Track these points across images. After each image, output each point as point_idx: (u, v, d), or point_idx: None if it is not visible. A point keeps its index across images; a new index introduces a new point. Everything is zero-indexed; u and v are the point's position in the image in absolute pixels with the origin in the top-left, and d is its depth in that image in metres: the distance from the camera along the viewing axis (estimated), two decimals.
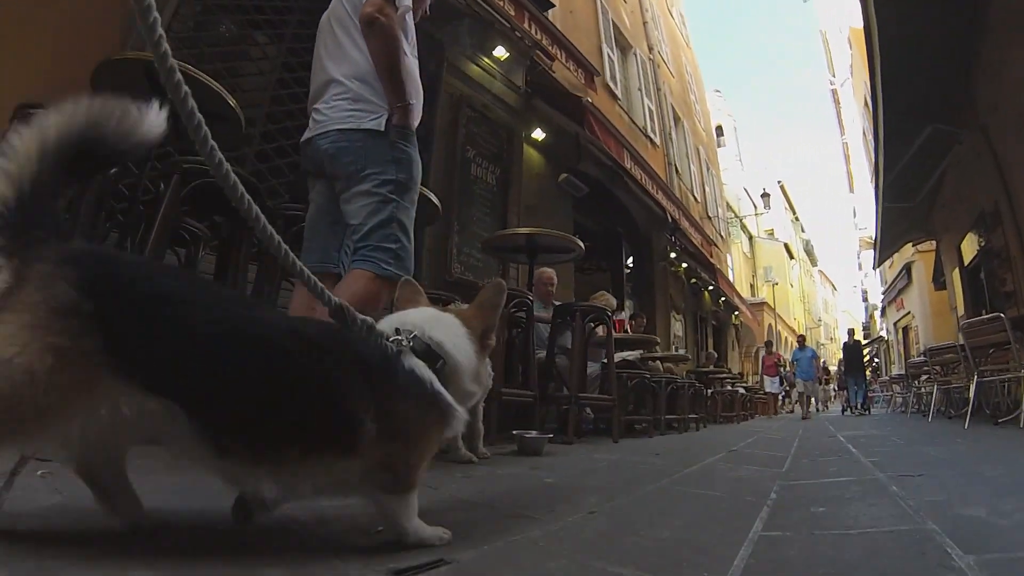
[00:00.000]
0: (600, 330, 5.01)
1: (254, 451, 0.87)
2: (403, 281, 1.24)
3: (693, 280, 12.85)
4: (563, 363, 4.14)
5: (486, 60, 6.31)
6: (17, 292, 0.77)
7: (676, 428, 5.30)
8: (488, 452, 2.52)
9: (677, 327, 12.03)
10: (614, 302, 5.37)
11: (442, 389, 0.99)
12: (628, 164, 8.73)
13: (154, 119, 0.87)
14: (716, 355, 12.00)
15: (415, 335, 1.00)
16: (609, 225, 10.32)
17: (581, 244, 3.88)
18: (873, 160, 9.16)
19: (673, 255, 11.67)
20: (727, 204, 20.20)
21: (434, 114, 5.56)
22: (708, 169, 16.70)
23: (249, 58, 4.56)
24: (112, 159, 0.96)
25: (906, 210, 9.80)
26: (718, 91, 32.73)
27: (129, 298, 0.82)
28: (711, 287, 13.84)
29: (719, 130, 31.01)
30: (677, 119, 14.20)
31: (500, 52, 6.35)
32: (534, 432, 2.93)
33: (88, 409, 0.79)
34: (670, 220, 10.85)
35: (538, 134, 7.19)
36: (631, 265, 11.20)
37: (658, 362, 5.88)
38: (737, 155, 32.22)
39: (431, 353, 1.00)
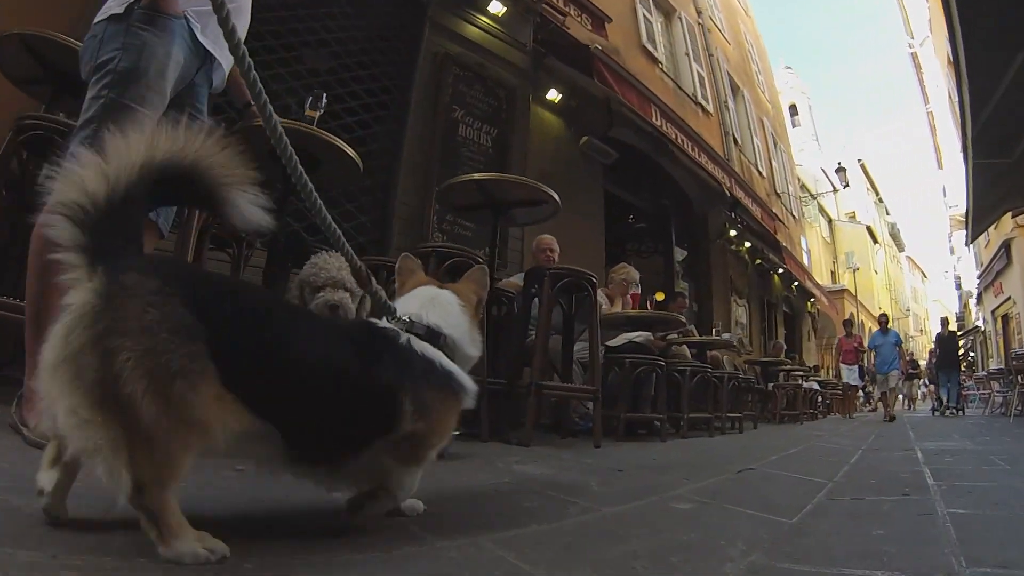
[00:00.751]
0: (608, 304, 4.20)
1: (325, 457, 0.98)
2: (403, 256, 1.29)
3: (758, 261, 11.45)
4: (556, 345, 3.36)
5: (481, 17, 5.66)
6: (123, 307, 0.76)
7: (705, 429, 4.31)
8: None
9: (740, 313, 10.70)
10: (635, 275, 4.50)
11: (453, 366, 1.07)
12: (672, 132, 7.73)
13: (253, 211, 0.92)
14: (784, 345, 10.54)
15: (413, 320, 1.07)
16: (656, 200, 9.30)
17: (554, 195, 3.03)
18: (958, 110, 7.38)
19: (733, 233, 10.38)
20: (800, 183, 18.36)
21: (412, 75, 5.04)
22: (776, 143, 15.11)
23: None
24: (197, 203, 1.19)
25: (1002, 171, 7.95)
26: (789, 67, 30.59)
27: (234, 322, 0.86)
28: (780, 270, 12.32)
29: (793, 109, 29.01)
30: (735, 88, 12.85)
31: (496, 7, 5.68)
32: None
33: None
34: (728, 194, 9.62)
35: (553, 95, 6.40)
36: (683, 245, 10.04)
37: (684, 347, 4.88)
38: (813, 135, 30.01)
39: (432, 333, 1.07)
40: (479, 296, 1.24)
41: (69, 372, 0.74)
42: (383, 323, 1.08)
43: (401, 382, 0.98)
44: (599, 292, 4.64)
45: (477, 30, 5.64)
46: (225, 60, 1.78)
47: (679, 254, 9.84)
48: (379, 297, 1.18)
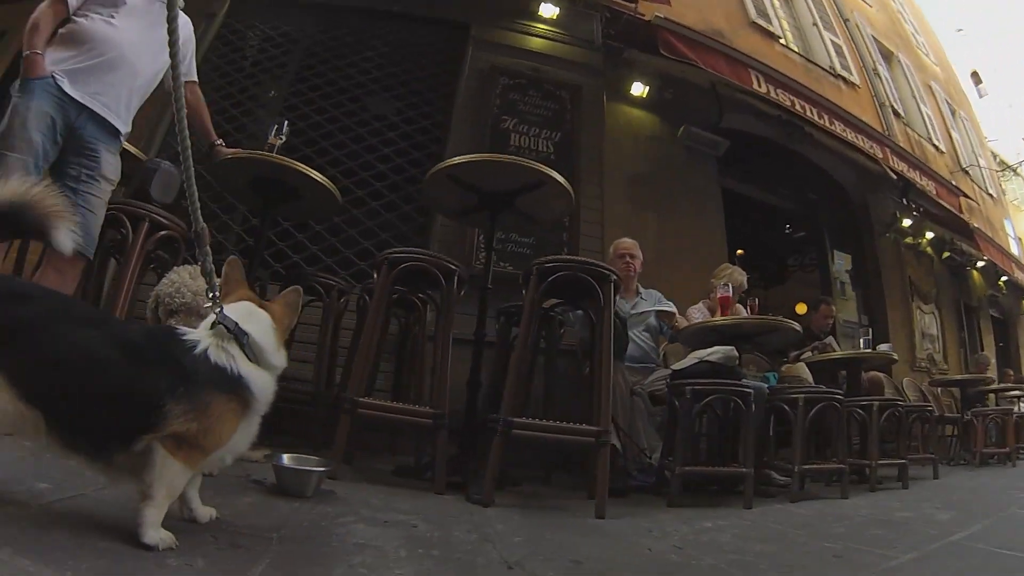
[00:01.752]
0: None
1: (93, 448, 1.09)
2: (230, 260, 1.35)
3: (947, 255, 9.12)
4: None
5: (533, 25, 5.25)
6: None
7: (835, 481, 3.11)
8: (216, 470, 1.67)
9: (927, 322, 8.53)
10: (741, 278, 3.61)
11: (245, 369, 1.16)
12: (806, 110, 6.52)
13: (67, 237, 1.21)
14: (989, 359, 8.13)
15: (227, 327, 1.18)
16: (799, 195, 7.89)
17: (554, 175, 2.38)
18: None
19: (907, 223, 8.37)
20: (997, 159, 14.88)
21: (454, 94, 4.78)
22: (953, 112, 12.42)
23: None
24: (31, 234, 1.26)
25: None
26: (961, 30, 25.79)
27: (11, 321, 1.06)
28: (980, 263, 9.73)
29: (975, 77, 24.40)
30: (887, 54, 10.83)
31: (549, 10, 5.22)
32: (313, 461, 1.94)
33: None
34: (894, 175, 7.88)
35: (638, 89, 5.64)
36: (843, 247, 8.32)
37: (800, 366, 3.70)
38: (1008, 103, 24.77)
39: (239, 330, 1.18)
40: (290, 319, 1.34)
41: None
42: (185, 331, 1.19)
43: (169, 386, 1.08)
44: (699, 307, 3.77)
45: (529, 37, 5.23)
46: (103, 106, 2.15)
47: (838, 259, 8.18)
48: (207, 266, 1.27)
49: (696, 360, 2.82)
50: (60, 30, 2.13)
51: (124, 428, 1.08)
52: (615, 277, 2.34)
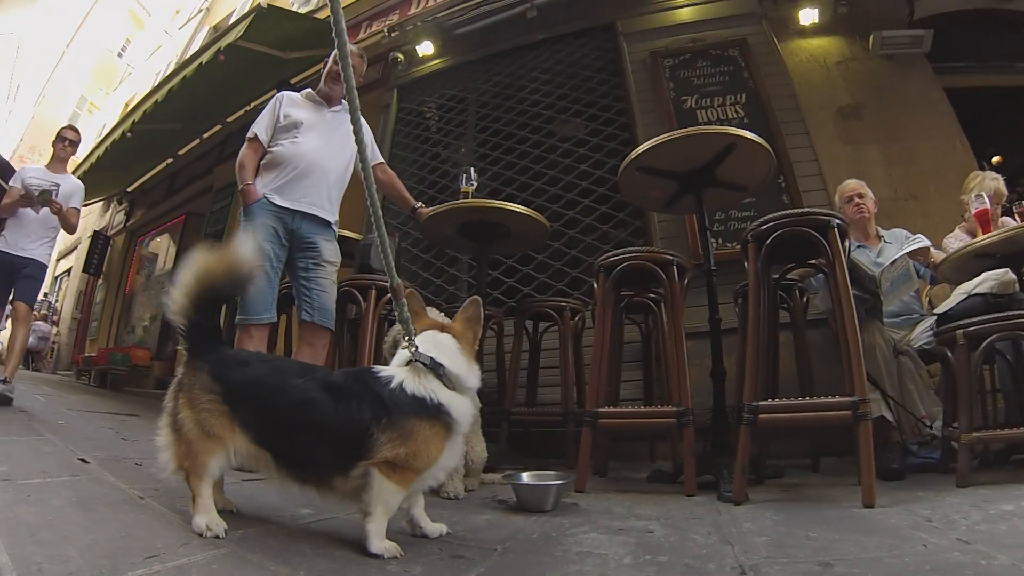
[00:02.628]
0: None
1: (312, 477, 1.32)
2: (408, 292, 1.48)
3: None
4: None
5: None
6: (185, 378, 1.36)
7: None
8: (462, 493, 2.02)
9: None
10: (994, 184, 2.92)
11: (444, 397, 1.32)
12: None
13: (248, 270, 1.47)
14: None
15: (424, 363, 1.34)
16: None
17: (744, 133, 2.15)
18: None
19: None
20: None
21: (627, 92, 4.66)
22: None
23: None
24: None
25: None
26: None
27: (241, 382, 1.33)
28: None
29: None
30: None
31: None
32: (552, 476, 1.97)
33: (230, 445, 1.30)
34: None
35: (807, 17, 4.87)
36: None
37: None
38: None
39: (435, 363, 1.33)
40: (474, 331, 1.46)
41: (165, 409, 1.36)
42: (380, 369, 1.37)
43: (373, 416, 1.26)
44: (956, 235, 3.08)
45: (674, 11, 4.96)
46: (309, 205, 2.59)
47: None
48: (404, 317, 1.41)
49: (963, 296, 2.26)
50: (261, 162, 2.63)
51: (337, 456, 1.27)
52: (838, 222, 2.02)
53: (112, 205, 11.40)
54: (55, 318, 13.41)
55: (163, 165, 9.16)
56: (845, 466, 2.59)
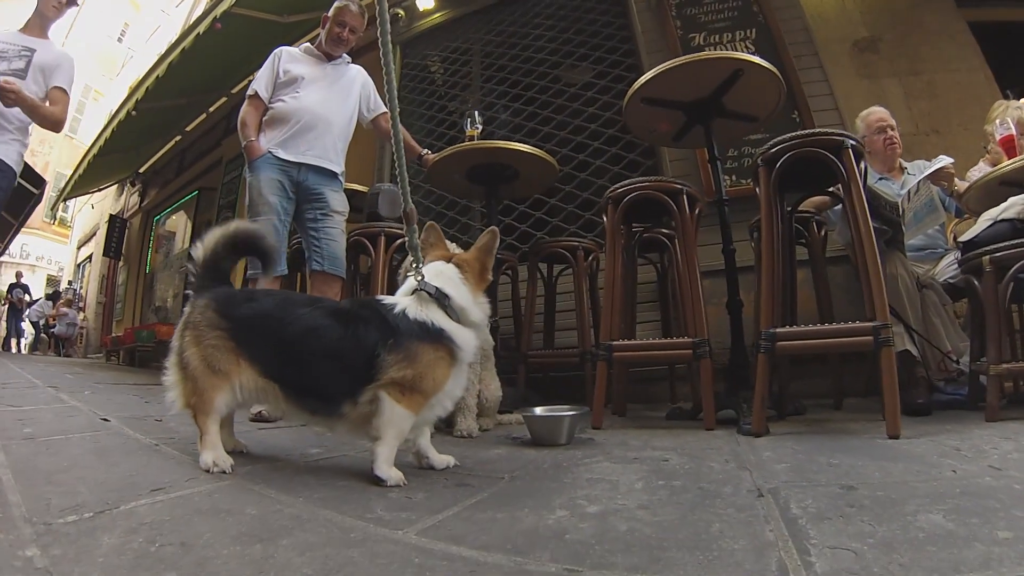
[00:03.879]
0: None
1: (321, 406, 1.31)
2: (428, 224, 1.53)
3: None
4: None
5: None
6: (191, 314, 1.37)
7: None
8: (476, 431, 2.04)
9: None
10: (1020, 112, 2.74)
11: (447, 325, 1.31)
12: None
13: (268, 242, 1.55)
14: None
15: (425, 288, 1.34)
16: None
17: (751, 58, 2.05)
18: None
19: None
20: None
21: (634, 36, 4.52)
22: None
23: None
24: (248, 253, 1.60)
25: None
26: None
27: (245, 316, 1.34)
28: None
29: None
30: None
31: None
32: (567, 408, 1.91)
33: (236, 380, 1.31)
34: None
35: None
36: None
37: None
38: None
39: (440, 294, 1.33)
40: (482, 263, 1.44)
41: (172, 348, 1.37)
42: (384, 298, 1.37)
43: (381, 338, 1.26)
44: (979, 167, 2.95)
45: None
46: (315, 158, 2.61)
47: None
48: (414, 244, 1.44)
49: (989, 222, 2.16)
50: (263, 119, 2.63)
51: (348, 381, 1.27)
52: (852, 142, 1.93)
53: (126, 188, 11.50)
54: (81, 304, 13.72)
55: (172, 143, 9.18)
56: (870, 404, 2.55)
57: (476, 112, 2.93)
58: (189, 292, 1.44)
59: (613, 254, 2.24)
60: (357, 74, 2.85)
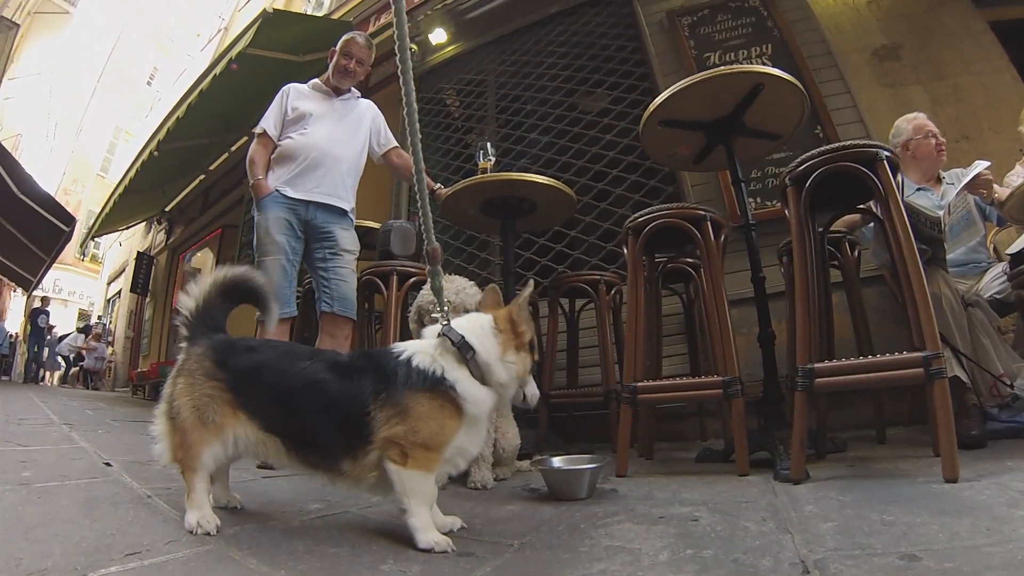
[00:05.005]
0: None
1: (322, 461, 1.23)
2: (489, 287, 1.45)
3: None
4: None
5: None
6: (185, 362, 1.30)
7: None
8: (491, 482, 1.89)
9: None
10: None
11: (454, 376, 1.19)
12: None
13: (274, 307, 1.49)
14: None
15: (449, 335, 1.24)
16: None
17: (770, 70, 1.94)
18: None
19: None
20: None
21: (648, 60, 4.43)
22: None
23: None
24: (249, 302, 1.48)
25: None
26: None
27: (244, 368, 1.26)
28: None
29: None
30: None
31: None
32: (587, 460, 1.77)
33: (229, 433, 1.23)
34: None
35: None
36: None
37: None
38: None
39: (464, 345, 1.22)
40: (516, 316, 1.29)
41: (163, 396, 1.29)
42: (398, 346, 1.27)
43: (372, 391, 1.17)
44: (1017, 171, 2.78)
45: None
46: (323, 195, 2.57)
47: None
48: (437, 286, 1.37)
49: None
50: (272, 156, 2.60)
51: (341, 436, 1.19)
52: (887, 153, 1.77)
53: (153, 226, 11.75)
54: (110, 339, 13.96)
55: (196, 182, 9.35)
56: (915, 436, 2.38)
57: (488, 143, 2.86)
58: (181, 344, 1.38)
59: (636, 287, 2.12)
60: (367, 108, 2.82)
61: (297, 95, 2.68)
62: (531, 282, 1.37)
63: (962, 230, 2.73)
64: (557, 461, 1.77)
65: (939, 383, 1.55)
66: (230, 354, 1.30)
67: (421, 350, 1.23)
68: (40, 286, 14.35)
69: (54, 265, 12.62)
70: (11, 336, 14.99)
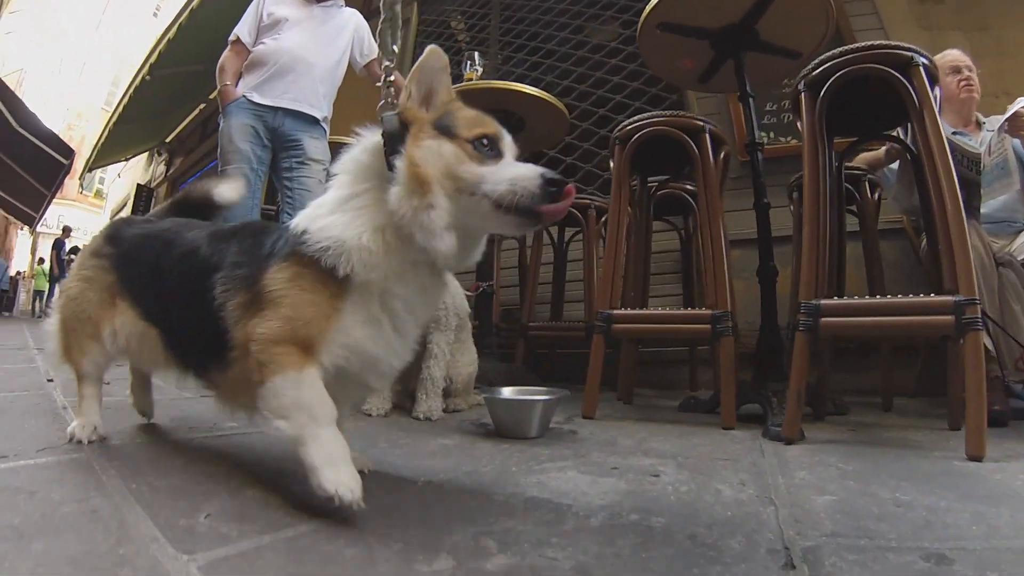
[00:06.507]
0: None
1: (194, 364, 0.94)
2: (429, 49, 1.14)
3: None
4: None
5: None
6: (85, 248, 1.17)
7: None
8: (436, 414, 1.66)
9: None
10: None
11: (318, 223, 0.79)
12: None
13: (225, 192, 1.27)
14: None
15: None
16: None
17: None
18: None
19: None
20: None
21: None
22: None
23: None
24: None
25: None
26: None
27: (128, 240, 1.08)
28: None
29: None
30: None
31: None
32: (545, 392, 1.52)
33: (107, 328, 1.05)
34: None
35: None
36: None
37: None
38: None
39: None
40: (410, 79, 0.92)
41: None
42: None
43: (229, 268, 0.84)
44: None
45: None
46: (291, 101, 2.39)
47: None
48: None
49: None
50: (244, 63, 2.45)
51: (202, 334, 0.86)
52: (924, 60, 1.45)
53: (154, 157, 11.56)
54: None
55: (196, 111, 9.11)
56: (921, 407, 2.13)
57: (476, 53, 2.63)
58: None
59: (619, 202, 1.85)
60: (351, 16, 2.63)
61: (274, 1, 2.51)
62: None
63: (995, 179, 2.42)
64: (508, 391, 1.54)
65: (972, 336, 1.24)
66: (124, 226, 1.13)
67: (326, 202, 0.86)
68: (43, 222, 14.23)
69: (58, 201, 12.49)
70: (19, 273, 14.99)
